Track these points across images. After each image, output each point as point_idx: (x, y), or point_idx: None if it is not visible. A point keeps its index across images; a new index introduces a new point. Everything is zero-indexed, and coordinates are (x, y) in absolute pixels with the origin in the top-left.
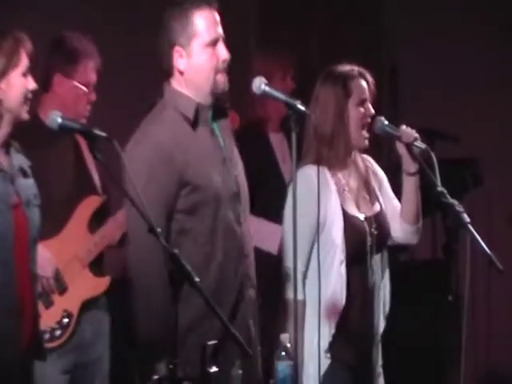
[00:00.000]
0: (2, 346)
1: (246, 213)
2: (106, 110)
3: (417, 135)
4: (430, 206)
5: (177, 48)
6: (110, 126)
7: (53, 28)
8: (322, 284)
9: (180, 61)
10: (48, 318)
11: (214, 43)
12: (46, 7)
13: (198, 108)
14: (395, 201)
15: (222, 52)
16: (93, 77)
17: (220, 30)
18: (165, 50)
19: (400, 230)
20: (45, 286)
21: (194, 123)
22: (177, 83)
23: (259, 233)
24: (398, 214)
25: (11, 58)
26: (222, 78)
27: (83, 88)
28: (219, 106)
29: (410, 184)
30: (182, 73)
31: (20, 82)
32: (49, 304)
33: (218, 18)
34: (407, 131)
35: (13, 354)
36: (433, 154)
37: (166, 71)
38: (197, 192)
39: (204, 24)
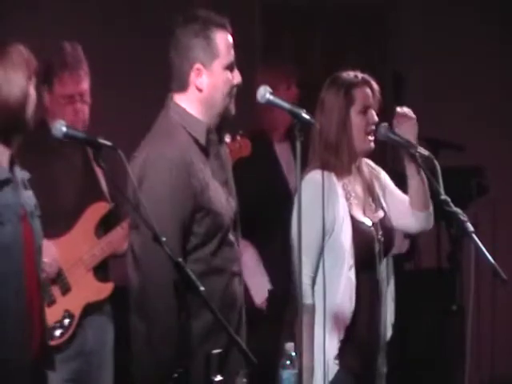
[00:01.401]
0: (15, 354)
1: (239, 232)
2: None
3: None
4: (434, 215)
5: (198, 66)
6: (115, 134)
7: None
8: (332, 289)
9: (199, 79)
10: (49, 316)
11: (231, 66)
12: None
13: (208, 130)
14: (402, 195)
15: (237, 76)
16: (77, 87)
17: (233, 53)
18: (183, 66)
19: (413, 218)
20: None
21: (205, 147)
22: (186, 100)
23: (251, 276)
24: (407, 205)
25: (29, 72)
26: (232, 103)
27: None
28: (219, 128)
29: (414, 182)
30: (200, 90)
31: (34, 94)
32: (51, 302)
33: (231, 39)
34: (407, 118)
35: (24, 363)
36: (436, 162)
37: (178, 85)
38: (209, 217)
39: (224, 45)
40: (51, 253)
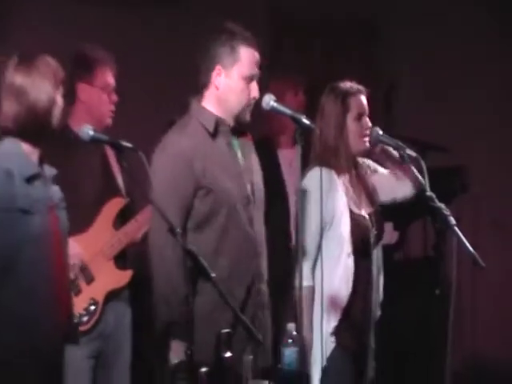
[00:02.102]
0: (42, 332)
1: (259, 217)
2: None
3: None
4: (420, 209)
5: (219, 66)
6: (137, 136)
7: (74, 42)
8: (331, 274)
9: (218, 78)
10: (77, 305)
11: (250, 79)
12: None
13: (217, 121)
14: (390, 174)
15: (255, 90)
16: (111, 80)
17: (257, 70)
18: (206, 65)
19: (403, 185)
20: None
21: (214, 134)
22: (206, 99)
23: None
24: (394, 178)
25: (56, 80)
26: (247, 112)
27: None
28: (240, 128)
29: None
30: (217, 88)
31: (60, 100)
32: (77, 292)
33: (258, 58)
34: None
35: (51, 340)
36: (423, 163)
37: (200, 85)
38: (211, 195)
39: (247, 57)
40: (74, 251)
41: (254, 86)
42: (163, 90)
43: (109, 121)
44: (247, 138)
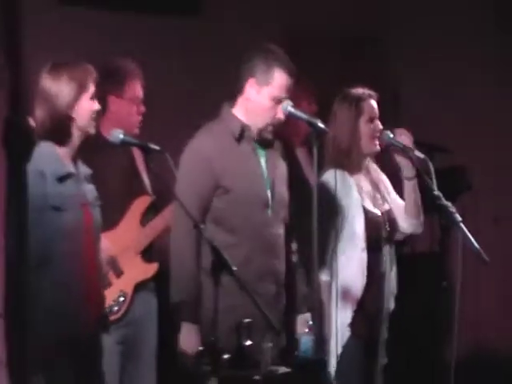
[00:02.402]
0: (76, 322)
1: (278, 222)
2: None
3: (410, 137)
4: (427, 207)
5: (252, 80)
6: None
7: (105, 53)
8: (346, 268)
9: (250, 90)
10: (107, 297)
11: (279, 101)
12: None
13: (243, 127)
14: (400, 200)
15: (281, 112)
16: (139, 92)
17: (287, 94)
18: (242, 74)
19: (407, 223)
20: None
21: (238, 139)
22: (237, 105)
23: None
24: (403, 211)
25: (83, 85)
26: (269, 130)
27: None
28: (269, 138)
29: (409, 187)
30: (247, 99)
31: (88, 105)
32: (108, 284)
33: (290, 83)
34: (405, 133)
35: (84, 329)
36: (430, 164)
37: (235, 92)
38: (229, 194)
39: (279, 81)
40: (102, 246)
41: (280, 108)
42: (187, 96)
43: (136, 130)
44: (275, 149)
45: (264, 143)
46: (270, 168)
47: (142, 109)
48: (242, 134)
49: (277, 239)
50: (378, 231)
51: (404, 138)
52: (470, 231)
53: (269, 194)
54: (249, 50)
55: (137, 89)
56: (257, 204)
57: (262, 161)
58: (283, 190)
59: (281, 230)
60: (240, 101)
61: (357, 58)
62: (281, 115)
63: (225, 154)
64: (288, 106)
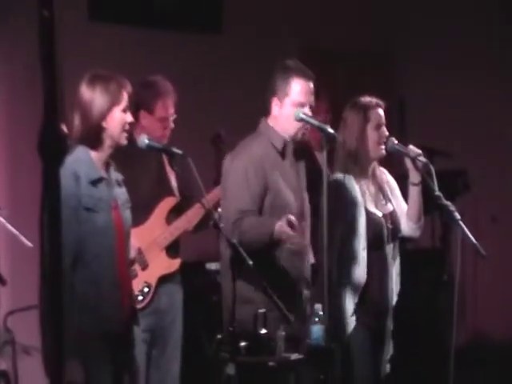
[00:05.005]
0: (109, 315)
1: (308, 230)
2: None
3: (420, 151)
4: (429, 206)
5: (275, 97)
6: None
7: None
8: (352, 265)
9: (275, 108)
10: (133, 287)
11: (301, 105)
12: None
13: (285, 141)
14: (403, 204)
15: (308, 112)
16: (171, 110)
17: (310, 98)
18: (268, 95)
19: (406, 226)
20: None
21: (282, 152)
22: (271, 121)
23: None
24: (404, 214)
25: (116, 97)
26: (300, 132)
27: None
28: (302, 149)
29: (414, 192)
30: (275, 117)
31: (120, 116)
32: (134, 276)
33: (311, 87)
34: (413, 149)
35: (118, 322)
36: (432, 167)
37: (267, 110)
38: (273, 197)
39: (297, 87)
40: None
41: (306, 109)
42: (206, 107)
43: (165, 142)
44: (306, 159)
45: (298, 156)
46: (301, 179)
47: (172, 125)
48: (284, 147)
49: (309, 248)
50: (379, 231)
51: (412, 148)
52: (468, 229)
53: (302, 204)
54: (271, 77)
55: (168, 107)
56: (296, 215)
57: (299, 173)
58: (307, 199)
59: (309, 239)
60: (271, 118)
61: (368, 70)
62: (309, 114)
63: (269, 163)
64: (300, 112)
